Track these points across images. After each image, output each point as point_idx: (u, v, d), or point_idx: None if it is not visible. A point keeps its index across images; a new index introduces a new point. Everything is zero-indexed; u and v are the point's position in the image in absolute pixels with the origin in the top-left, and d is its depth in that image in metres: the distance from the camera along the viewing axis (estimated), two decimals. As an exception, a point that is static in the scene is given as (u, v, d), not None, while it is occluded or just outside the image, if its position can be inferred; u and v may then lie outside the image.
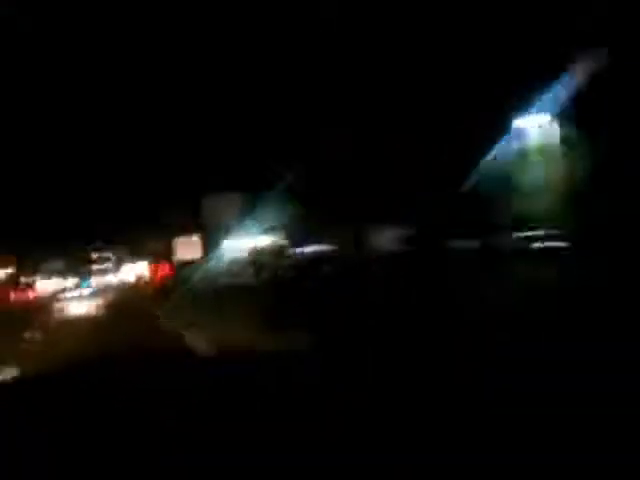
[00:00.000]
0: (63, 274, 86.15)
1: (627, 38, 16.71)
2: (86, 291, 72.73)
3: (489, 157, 21.33)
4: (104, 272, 77.43)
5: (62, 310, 29.07)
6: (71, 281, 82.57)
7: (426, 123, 21.79)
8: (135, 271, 62.41)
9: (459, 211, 19.77)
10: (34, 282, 77.70)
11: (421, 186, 20.91)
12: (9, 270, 74.10)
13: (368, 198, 23.92)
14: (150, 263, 52.66)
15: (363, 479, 1.39)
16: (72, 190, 61.39)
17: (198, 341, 11.14)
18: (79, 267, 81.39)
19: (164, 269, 46.64)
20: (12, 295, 58.63)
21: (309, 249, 26.91)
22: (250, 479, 1.34)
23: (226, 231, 36.81)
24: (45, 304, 38.48)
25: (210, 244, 38.96)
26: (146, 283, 50.87)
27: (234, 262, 31.54)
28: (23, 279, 77.97)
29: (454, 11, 21.30)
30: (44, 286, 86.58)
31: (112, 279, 70.77)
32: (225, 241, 36.16)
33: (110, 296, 55.88)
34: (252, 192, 33.99)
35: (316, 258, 22.88)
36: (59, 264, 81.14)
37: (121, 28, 39.03)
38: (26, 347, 15.96)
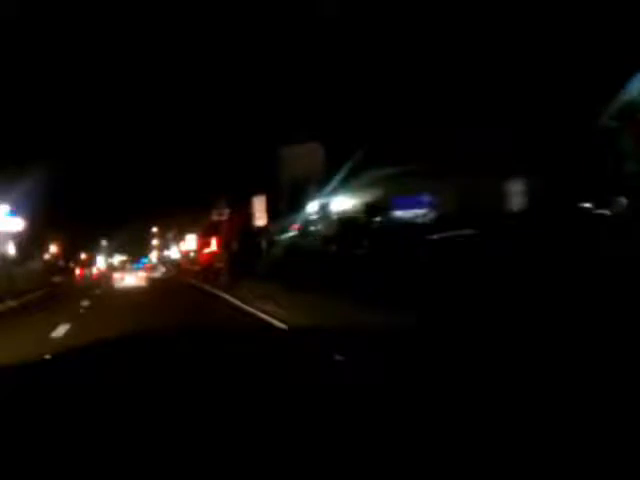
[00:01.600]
0: (122, 251, 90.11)
1: None
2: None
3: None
4: (159, 249, 78.56)
5: (122, 280, 34.44)
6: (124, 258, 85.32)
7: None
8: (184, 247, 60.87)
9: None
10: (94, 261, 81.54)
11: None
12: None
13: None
14: (198, 239, 48.50)
15: None
16: (134, 174, 62.61)
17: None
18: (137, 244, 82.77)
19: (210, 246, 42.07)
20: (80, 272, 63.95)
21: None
22: None
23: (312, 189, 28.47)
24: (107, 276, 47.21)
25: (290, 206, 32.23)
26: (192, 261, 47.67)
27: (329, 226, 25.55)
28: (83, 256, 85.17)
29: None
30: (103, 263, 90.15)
31: (169, 254, 72.78)
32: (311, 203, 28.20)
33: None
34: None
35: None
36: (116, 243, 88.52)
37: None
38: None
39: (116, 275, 37.31)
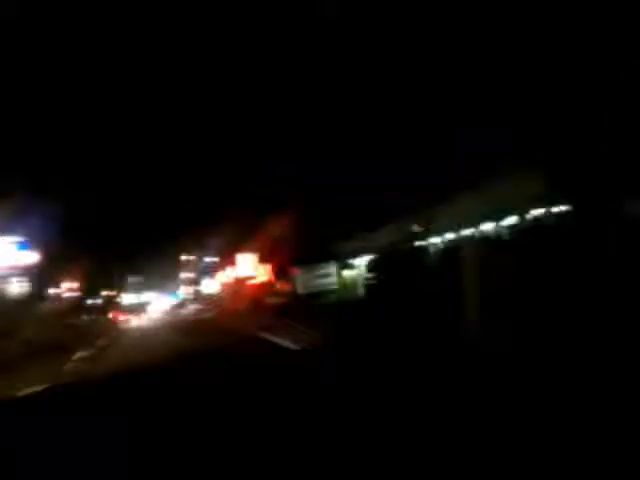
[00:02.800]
0: (145, 288, 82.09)
1: None
2: (173, 302, 68.86)
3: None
4: (190, 283, 69.79)
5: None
6: (153, 295, 77.30)
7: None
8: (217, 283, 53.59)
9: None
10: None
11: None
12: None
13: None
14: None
15: None
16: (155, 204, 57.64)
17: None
18: (164, 281, 74.64)
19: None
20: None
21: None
22: None
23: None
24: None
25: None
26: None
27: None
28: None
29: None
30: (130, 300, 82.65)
31: (198, 289, 65.73)
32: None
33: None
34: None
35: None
36: (139, 279, 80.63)
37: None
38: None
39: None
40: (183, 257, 67.83)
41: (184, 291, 74.53)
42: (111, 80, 47.49)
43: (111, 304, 75.54)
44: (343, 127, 25.55)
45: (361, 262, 24.64)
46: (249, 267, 29.82)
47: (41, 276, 52.91)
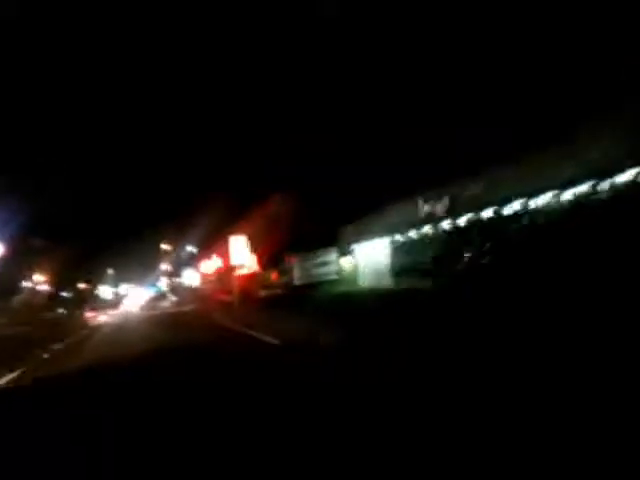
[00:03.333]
0: (124, 280, 79.18)
1: None
2: (152, 294, 65.77)
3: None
4: (171, 274, 66.57)
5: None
6: (131, 287, 74.26)
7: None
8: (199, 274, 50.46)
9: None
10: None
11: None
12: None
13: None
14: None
15: None
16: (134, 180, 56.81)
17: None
18: (145, 272, 71.42)
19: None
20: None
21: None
22: None
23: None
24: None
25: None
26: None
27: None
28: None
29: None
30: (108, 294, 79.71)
31: (179, 280, 62.14)
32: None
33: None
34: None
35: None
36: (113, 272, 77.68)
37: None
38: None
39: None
40: (163, 246, 64.35)
41: (164, 283, 71.22)
42: (103, 68, 45.07)
43: (84, 298, 72.19)
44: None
45: (367, 248, 21.98)
46: (241, 253, 26.78)
47: (10, 268, 49.44)
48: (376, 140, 22.84)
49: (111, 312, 51.25)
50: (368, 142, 23.47)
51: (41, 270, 57.90)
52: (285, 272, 24.68)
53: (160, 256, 66.17)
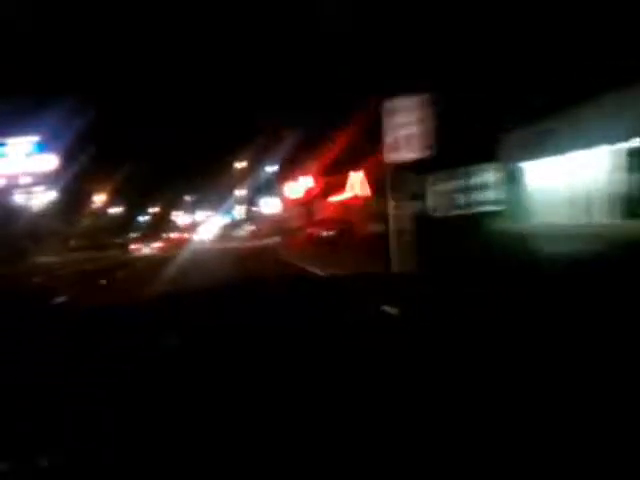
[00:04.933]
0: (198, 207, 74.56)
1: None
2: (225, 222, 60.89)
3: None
4: (245, 201, 60.00)
5: None
6: (206, 214, 69.43)
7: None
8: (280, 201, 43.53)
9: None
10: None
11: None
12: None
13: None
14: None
15: None
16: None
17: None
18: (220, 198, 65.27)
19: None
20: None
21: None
22: None
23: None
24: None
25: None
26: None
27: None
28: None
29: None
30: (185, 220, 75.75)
31: (255, 209, 55.43)
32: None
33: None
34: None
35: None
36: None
37: None
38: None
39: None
40: (238, 165, 56.90)
41: (239, 211, 64.81)
42: None
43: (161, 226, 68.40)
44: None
45: (550, 164, 13.38)
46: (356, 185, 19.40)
47: (70, 187, 44.06)
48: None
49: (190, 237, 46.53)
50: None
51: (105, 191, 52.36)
52: (413, 198, 16.43)
53: (235, 182, 59.00)
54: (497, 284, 3.69)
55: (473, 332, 2.25)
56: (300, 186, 31.52)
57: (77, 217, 48.49)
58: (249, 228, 52.34)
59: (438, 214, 15.50)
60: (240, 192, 62.49)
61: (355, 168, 22.31)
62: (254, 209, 56.52)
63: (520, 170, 15.60)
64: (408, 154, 11.26)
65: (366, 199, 20.12)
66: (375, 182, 21.25)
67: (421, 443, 1.23)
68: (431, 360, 1.94)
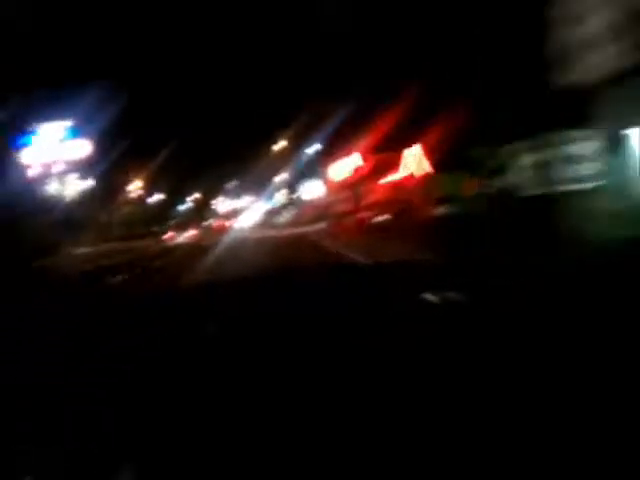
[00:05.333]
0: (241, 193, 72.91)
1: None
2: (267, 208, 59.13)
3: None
4: (286, 185, 57.76)
5: None
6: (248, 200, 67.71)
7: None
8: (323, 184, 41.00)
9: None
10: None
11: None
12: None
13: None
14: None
15: None
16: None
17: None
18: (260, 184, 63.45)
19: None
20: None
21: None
22: None
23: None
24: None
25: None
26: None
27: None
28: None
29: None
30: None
31: (296, 195, 53.29)
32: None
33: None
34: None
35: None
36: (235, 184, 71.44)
37: None
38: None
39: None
40: (276, 147, 54.43)
41: (279, 197, 62.58)
42: None
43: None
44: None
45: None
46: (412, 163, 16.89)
47: (105, 175, 42.63)
48: None
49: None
50: None
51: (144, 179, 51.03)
52: (493, 172, 13.44)
53: (276, 165, 56.62)
54: (585, 277, 2.61)
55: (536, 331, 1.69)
56: (347, 166, 28.72)
57: (115, 205, 47.26)
58: (290, 214, 50.15)
59: (523, 193, 12.70)
60: (281, 177, 60.33)
61: (411, 144, 19.60)
62: (295, 194, 54.19)
63: (625, 138, 12.64)
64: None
65: (426, 177, 17.41)
66: (436, 158, 18.49)
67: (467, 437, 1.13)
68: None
